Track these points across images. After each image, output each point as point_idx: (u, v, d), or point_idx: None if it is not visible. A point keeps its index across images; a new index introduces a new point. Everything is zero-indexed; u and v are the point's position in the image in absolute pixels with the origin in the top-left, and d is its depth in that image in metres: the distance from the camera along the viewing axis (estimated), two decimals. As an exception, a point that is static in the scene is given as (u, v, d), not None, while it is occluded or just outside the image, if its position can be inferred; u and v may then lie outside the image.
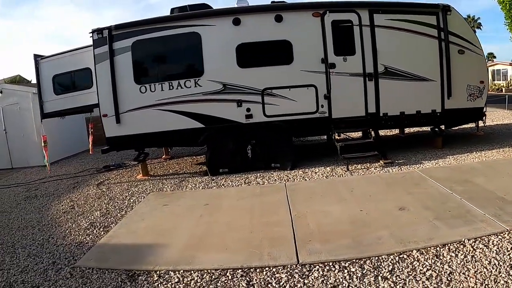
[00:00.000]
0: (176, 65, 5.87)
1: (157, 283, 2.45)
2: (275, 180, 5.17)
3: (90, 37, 5.76)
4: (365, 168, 5.33)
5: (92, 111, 6.90)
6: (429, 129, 6.70)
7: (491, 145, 5.97)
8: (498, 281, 2.13)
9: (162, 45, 5.71)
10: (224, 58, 5.55)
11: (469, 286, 2.11)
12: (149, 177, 6.16)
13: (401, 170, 5.05)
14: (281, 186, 4.78)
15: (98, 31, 5.63)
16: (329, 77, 5.57)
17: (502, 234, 2.71)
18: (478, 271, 2.25)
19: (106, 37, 5.59)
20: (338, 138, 5.91)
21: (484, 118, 6.54)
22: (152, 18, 5.69)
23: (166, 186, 5.44)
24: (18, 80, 18.26)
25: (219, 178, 5.53)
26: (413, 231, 2.92)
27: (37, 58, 6.35)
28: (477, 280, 2.15)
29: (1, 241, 3.67)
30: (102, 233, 3.60)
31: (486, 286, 2.09)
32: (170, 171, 6.64)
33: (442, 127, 6.31)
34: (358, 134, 6.96)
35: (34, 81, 9.89)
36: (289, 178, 5.22)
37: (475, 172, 4.42)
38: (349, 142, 5.79)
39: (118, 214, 4.21)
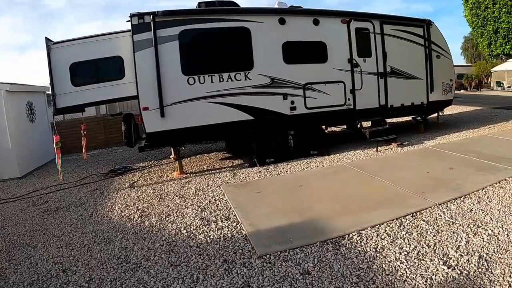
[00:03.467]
0: (226, 57, 6.49)
1: (361, 242, 3.31)
2: (322, 164, 6.53)
3: (128, 21, 5.87)
4: (388, 149, 7.31)
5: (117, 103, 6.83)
6: (402, 119, 9.30)
7: (456, 129, 8.87)
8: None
9: (212, 37, 6.29)
10: (272, 53, 6.65)
11: (493, 208, 3.79)
12: (186, 175, 6.63)
13: (417, 148, 7.22)
14: (342, 166, 6.28)
15: (140, 15, 5.78)
16: (354, 75, 7.38)
17: None
18: (507, 197, 4.07)
19: (149, 23, 5.78)
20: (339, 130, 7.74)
21: (443, 110, 9.56)
22: (202, 9, 6.31)
23: (220, 180, 5.97)
24: None
25: (269, 168, 6.58)
26: (470, 179, 4.81)
27: (49, 43, 5.96)
28: (502, 203, 3.88)
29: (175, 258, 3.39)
30: (234, 224, 4.00)
31: (506, 207, 3.76)
32: (197, 168, 7.08)
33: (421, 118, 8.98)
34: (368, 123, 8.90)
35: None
36: (334, 161, 6.72)
37: (469, 145, 6.91)
38: (374, 129, 7.68)
39: (215, 207, 4.63)
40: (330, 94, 7.19)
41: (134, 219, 4.51)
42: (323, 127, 7.83)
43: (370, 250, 3.19)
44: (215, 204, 4.79)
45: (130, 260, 3.38)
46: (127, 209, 4.93)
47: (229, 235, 3.75)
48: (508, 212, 3.72)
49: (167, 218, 4.43)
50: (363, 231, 3.58)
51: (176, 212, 4.61)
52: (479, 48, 7.87)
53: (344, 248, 3.27)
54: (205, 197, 5.14)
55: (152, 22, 5.77)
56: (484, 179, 4.74)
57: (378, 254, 3.11)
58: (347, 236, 3.51)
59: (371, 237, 3.44)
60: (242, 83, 6.48)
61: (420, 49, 8.17)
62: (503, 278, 2.59)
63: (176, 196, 5.34)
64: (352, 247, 3.29)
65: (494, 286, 2.51)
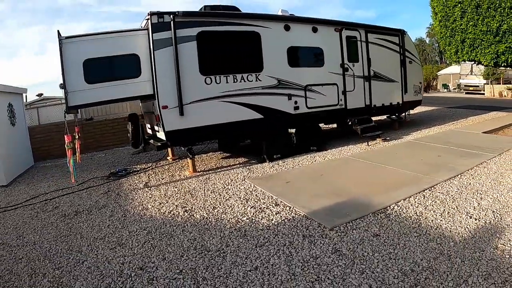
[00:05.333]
0: (239, 59, 7.17)
1: (402, 210, 4.44)
2: (326, 158, 7.59)
3: (147, 19, 6.27)
4: (376, 143, 8.65)
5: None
6: (376, 118, 10.84)
7: (425, 125, 10.64)
8: (502, 173, 5.61)
9: (227, 39, 6.95)
10: (278, 57, 7.54)
11: (486, 181, 5.30)
12: (199, 173, 7.18)
13: (400, 141, 8.68)
14: (346, 158, 7.39)
15: (159, 14, 6.17)
16: (345, 78, 8.63)
17: (495, 158, 6.47)
18: (492, 173, 5.56)
19: (169, 22, 6.20)
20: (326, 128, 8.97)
21: (414, 108, 11.36)
22: (219, 12, 6.93)
23: (239, 175, 6.63)
24: None
25: (279, 163, 7.45)
26: (458, 162, 6.26)
27: (61, 37, 5.94)
28: (490, 178, 5.44)
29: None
30: (287, 209, 4.75)
31: (496, 179, 5.33)
32: (205, 167, 7.59)
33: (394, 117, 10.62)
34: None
35: None
36: (334, 155, 7.83)
37: (443, 138, 8.54)
38: (364, 126, 8.96)
39: (255, 197, 5.37)
40: (326, 95, 8.32)
41: (180, 214, 4.91)
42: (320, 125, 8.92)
43: (413, 215, 4.24)
44: (254, 195, 5.48)
45: (210, 248, 3.80)
46: (163, 206, 5.28)
47: (290, 217, 4.52)
48: (497, 183, 5.10)
49: (215, 210, 4.95)
50: (399, 203, 4.63)
51: (220, 204, 5.17)
52: (446, 55, 9.61)
53: (393, 216, 4.28)
54: (238, 190, 5.77)
55: (172, 22, 6.23)
56: (470, 162, 6.19)
57: (420, 217, 4.17)
58: (389, 208, 4.53)
59: (407, 207, 4.51)
60: (253, 84, 7.25)
61: (396, 55, 9.76)
62: (518, 222, 3.82)
63: (207, 191, 5.89)
64: (399, 214, 4.31)
65: (509, 228, 3.71)
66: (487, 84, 25.51)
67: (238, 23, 7.06)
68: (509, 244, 3.36)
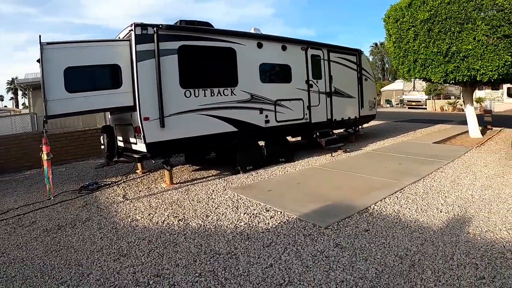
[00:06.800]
0: (217, 74, 7.53)
1: (382, 209, 5.16)
2: (296, 168, 8.24)
3: (130, 30, 6.41)
4: (339, 155, 9.51)
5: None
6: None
7: (379, 138, 11.87)
8: (458, 175, 6.85)
9: (206, 54, 7.28)
10: (251, 73, 8.07)
11: (446, 183, 6.60)
12: (176, 185, 7.32)
13: (361, 152, 9.64)
14: (316, 168, 8.07)
15: (143, 26, 6.34)
16: (310, 93, 9.44)
17: (449, 164, 7.64)
18: (450, 176, 6.85)
19: (152, 34, 6.39)
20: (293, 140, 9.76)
21: (368, 122, 12.60)
22: (199, 28, 7.25)
23: (218, 186, 6.93)
24: None
25: (253, 173, 7.91)
26: (418, 169, 7.31)
27: (43, 42, 5.79)
28: (449, 180, 6.73)
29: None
30: (279, 213, 5.32)
31: (454, 181, 6.59)
32: (180, 180, 7.75)
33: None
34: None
35: None
36: (303, 165, 8.50)
37: (398, 148, 9.67)
38: (328, 138, 9.78)
39: (243, 205, 5.78)
40: (293, 109, 9.02)
41: (175, 223, 5.07)
42: (288, 138, 9.56)
43: (393, 212, 4.95)
44: (242, 203, 5.83)
45: (220, 252, 4.05)
46: (153, 217, 5.38)
47: (284, 220, 4.95)
48: (456, 184, 6.12)
49: (209, 218, 5.20)
50: (377, 204, 5.33)
51: (212, 213, 5.43)
52: (399, 73, 10.96)
53: (376, 214, 4.94)
54: (224, 199, 6.07)
55: (155, 34, 6.42)
56: (428, 168, 7.22)
57: (399, 214, 4.88)
58: (370, 208, 5.20)
59: (385, 206, 5.22)
60: (229, 98, 7.67)
61: (354, 73, 10.90)
62: (477, 214, 4.69)
63: (192, 201, 6.09)
64: (380, 212, 4.99)
65: (474, 218, 4.56)
66: (429, 99, 28.80)
67: (217, 39, 7.49)
68: (478, 229, 4.18)
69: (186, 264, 3.83)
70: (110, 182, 7.79)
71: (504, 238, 3.97)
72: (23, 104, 44.62)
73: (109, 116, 8.41)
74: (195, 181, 7.52)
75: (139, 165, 8.76)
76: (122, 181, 7.92)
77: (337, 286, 3.21)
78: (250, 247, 4.16)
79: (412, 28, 10.24)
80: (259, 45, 8.22)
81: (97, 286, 3.52)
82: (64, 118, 10.49)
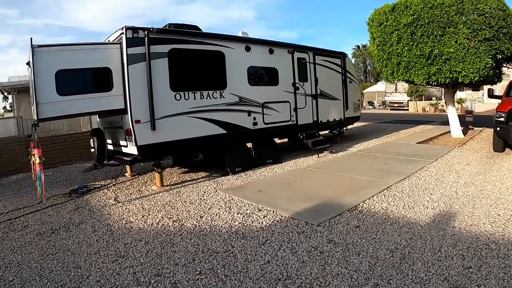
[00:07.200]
0: (206, 77, 7.61)
1: (371, 207, 5.41)
2: (284, 169, 8.42)
3: (121, 33, 6.45)
4: (325, 155, 9.77)
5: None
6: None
7: (363, 139, 12.21)
8: (442, 174, 7.20)
9: (195, 57, 7.38)
10: (240, 76, 8.21)
11: (430, 181, 6.94)
12: (166, 187, 7.38)
13: (346, 153, 9.92)
14: (303, 168, 8.27)
15: (134, 30, 6.41)
16: (296, 96, 9.67)
17: (433, 163, 7.99)
18: (434, 175, 7.23)
19: (143, 38, 6.46)
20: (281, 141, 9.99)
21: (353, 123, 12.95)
22: (189, 31, 7.34)
23: (209, 187, 7.03)
24: None
25: (242, 175, 8.05)
26: (404, 168, 7.63)
27: (34, 45, 5.78)
28: (433, 178, 7.06)
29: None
30: (271, 212, 5.46)
31: (438, 179, 6.94)
32: (170, 182, 7.79)
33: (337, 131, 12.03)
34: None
35: None
36: (291, 166, 8.70)
37: (383, 148, 10.01)
38: (314, 140, 10.01)
39: (235, 205, 5.89)
40: (280, 111, 9.22)
41: (170, 224, 5.14)
42: (276, 139, 9.74)
43: (381, 209, 5.18)
44: (234, 203, 5.95)
45: (217, 250, 4.14)
46: (147, 218, 5.43)
47: (278, 219, 5.10)
48: (440, 182, 6.44)
49: (203, 219, 5.31)
50: (365, 202, 5.56)
51: (205, 213, 5.53)
52: (382, 76, 11.28)
53: (365, 211, 5.17)
54: (216, 200, 6.17)
55: (146, 38, 6.49)
56: (413, 167, 7.54)
57: (387, 210, 5.13)
58: (359, 205, 5.42)
59: (374, 204, 5.46)
60: (218, 101, 7.79)
61: (338, 75, 11.21)
62: (462, 210, 4.99)
63: (185, 202, 6.17)
64: (369, 210, 5.22)
65: (459, 213, 4.85)
66: (411, 100, 29.63)
67: (206, 42, 7.61)
68: (463, 223, 4.46)
69: (185, 263, 3.92)
70: (99, 186, 7.76)
71: (488, 231, 4.25)
72: (4, 107, 43.30)
73: (98, 119, 8.38)
74: (185, 183, 7.59)
75: (127, 168, 8.76)
76: (111, 184, 7.90)
77: (333, 278, 3.38)
78: (247, 245, 4.29)
79: (396, 32, 10.61)
80: (247, 49, 8.38)
81: (98, 287, 3.56)
82: (49, 122, 10.40)
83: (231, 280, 3.49)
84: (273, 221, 5.03)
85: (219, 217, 5.35)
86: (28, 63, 6.68)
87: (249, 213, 5.43)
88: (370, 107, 35.89)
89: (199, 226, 5.03)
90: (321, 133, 12.75)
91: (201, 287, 3.41)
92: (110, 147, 7.78)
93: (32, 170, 7.21)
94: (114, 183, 8.01)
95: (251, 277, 3.52)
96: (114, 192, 7.14)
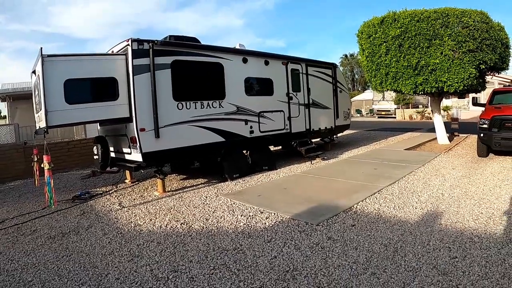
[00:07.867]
0: (206, 87, 8.02)
1: (365, 208, 5.88)
2: (279, 176, 8.88)
3: (126, 45, 6.83)
4: (318, 162, 10.26)
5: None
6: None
7: (353, 146, 12.77)
8: (429, 178, 7.77)
9: (196, 68, 7.78)
10: (237, 86, 8.66)
11: (418, 184, 7.53)
12: (168, 193, 7.71)
13: (338, 159, 10.44)
14: (298, 175, 8.73)
15: (139, 42, 6.81)
16: (290, 105, 10.18)
17: (420, 168, 8.56)
18: (421, 178, 7.80)
19: (148, 49, 6.85)
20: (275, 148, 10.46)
21: (343, 132, 13.52)
22: (190, 43, 7.75)
23: (210, 192, 7.40)
24: None
25: (240, 181, 8.45)
26: (392, 173, 8.18)
27: (44, 55, 6.06)
28: (421, 182, 7.66)
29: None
30: (273, 214, 5.87)
31: (425, 182, 7.53)
32: (171, 188, 8.12)
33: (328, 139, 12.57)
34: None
35: None
36: (286, 172, 9.14)
37: (372, 155, 10.56)
38: (307, 147, 10.50)
39: (237, 208, 6.28)
40: (275, 120, 9.69)
41: (178, 226, 5.48)
42: (270, 147, 10.19)
43: (374, 210, 5.66)
44: (236, 206, 6.34)
45: (227, 248, 4.52)
46: (155, 221, 5.75)
47: (279, 220, 5.52)
48: (427, 185, 6.98)
49: (209, 221, 5.67)
50: (359, 203, 6.04)
51: (211, 216, 5.90)
52: (371, 85, 11.91)
53: (359, 212, 5.64)
54: (219, 204, 6.54)
55: (151, 50, 6.89)
56: (402, 172, 8.08)
57: (379, 211, 5.61)
58: (353, 207, 5.89)
59: (366, 205, 5.94)
60: (217, 110, 8.21)
61: (329, 85, 11.79)
62: (448, 209, 5.51)
63: (189, 207, 6.52)
64: (363, 210, 5.69)
65: (445, 212, 5.37)
66: (398, 108, 30.57)
67: (206, 54, 8.04)
68: (449, 221, 4.97)
69: (199, 260, 4.28)
70: (101, 192, 8.04)
71: (471, 226, 4.77)
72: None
73: (99, 127, 8.68)
74: (186, 189, 7.93)
75: (127, 174, 9.05)
76: (113, 190, 8.18)
77: (335, 269, 3.81)
78: (253, 243, 4.68)
79: (384, 44, 11.23)
80: (244, 60, 8.85)
81: (118, 284, 3.85)
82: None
83: (244, 273, 3.87)
84: (275, 222, 5.43)
85: (224, 219, 5.72)
86: (34, 72, 7.00)
87: (252, 215, 5.82)
88: (358, 115, 36.91)
89: (206, 227, 5.39)
90: (313, 140, 13.33)
91: (217, 280, 3.76)
92: (112, 154, 8.08)
93: (36, 176, 7.46)
94: (116, 189, 8.30)
95: (261, 270, 3.91)
96: (118, 198, 7.43)
